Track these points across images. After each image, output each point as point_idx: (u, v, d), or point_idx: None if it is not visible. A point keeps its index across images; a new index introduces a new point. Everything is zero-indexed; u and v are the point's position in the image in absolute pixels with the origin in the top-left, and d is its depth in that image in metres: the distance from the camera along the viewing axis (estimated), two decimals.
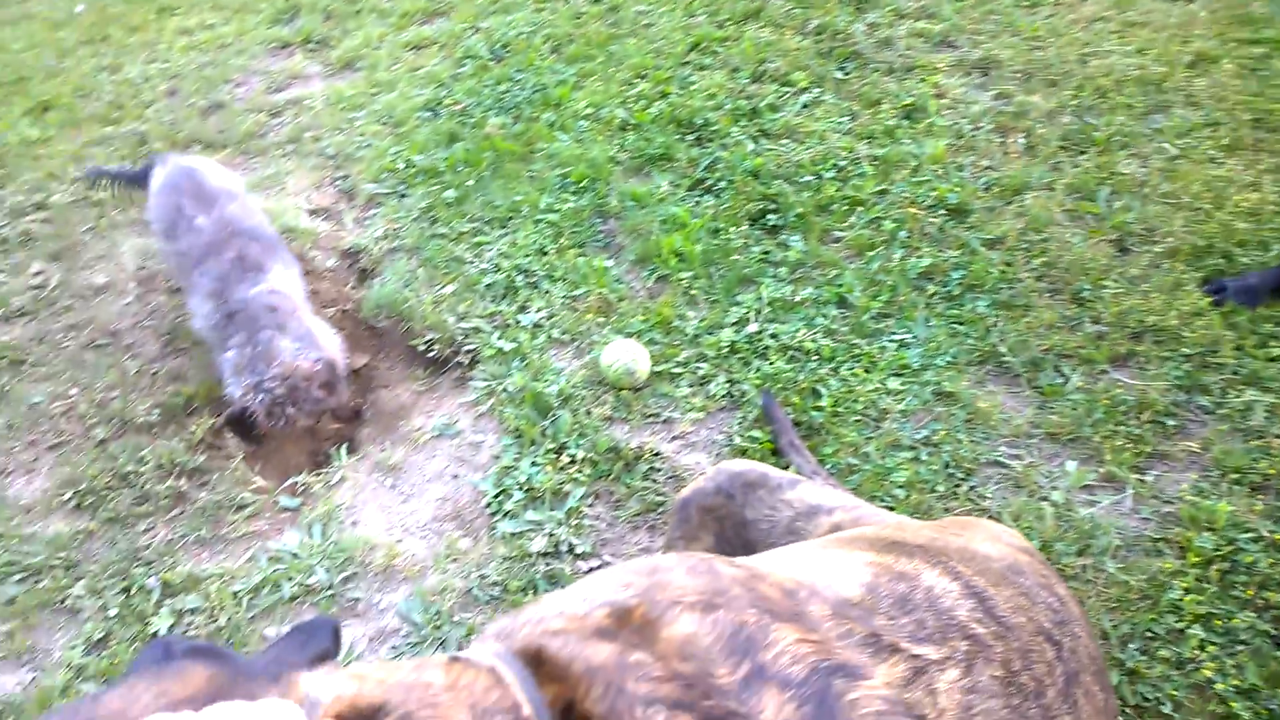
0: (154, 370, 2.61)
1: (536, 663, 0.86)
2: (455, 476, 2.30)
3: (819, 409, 2.19)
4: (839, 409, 2.19)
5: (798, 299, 2.47)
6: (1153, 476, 1.96)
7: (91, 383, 2.54)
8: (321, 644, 0.85)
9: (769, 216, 2.73)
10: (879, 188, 2.80)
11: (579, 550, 2.08)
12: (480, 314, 2.59)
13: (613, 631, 0.90)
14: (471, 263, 2.74)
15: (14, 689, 1.98)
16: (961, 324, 2.37)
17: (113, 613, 2.07)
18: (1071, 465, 2.01)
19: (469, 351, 2.53)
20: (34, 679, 2.00)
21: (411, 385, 2.58)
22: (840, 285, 2.49)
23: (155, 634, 2.01)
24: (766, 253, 2.63)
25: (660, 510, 2.12)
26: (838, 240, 2.67)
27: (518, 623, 1.01)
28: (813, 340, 2.34)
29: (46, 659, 2.03)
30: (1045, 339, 2.27)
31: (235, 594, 2.08)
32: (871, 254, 2.59)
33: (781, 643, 0.89)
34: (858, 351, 2.32)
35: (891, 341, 2.34)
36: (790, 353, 2.34)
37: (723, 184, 2.88)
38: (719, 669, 0.85)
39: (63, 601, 2.12)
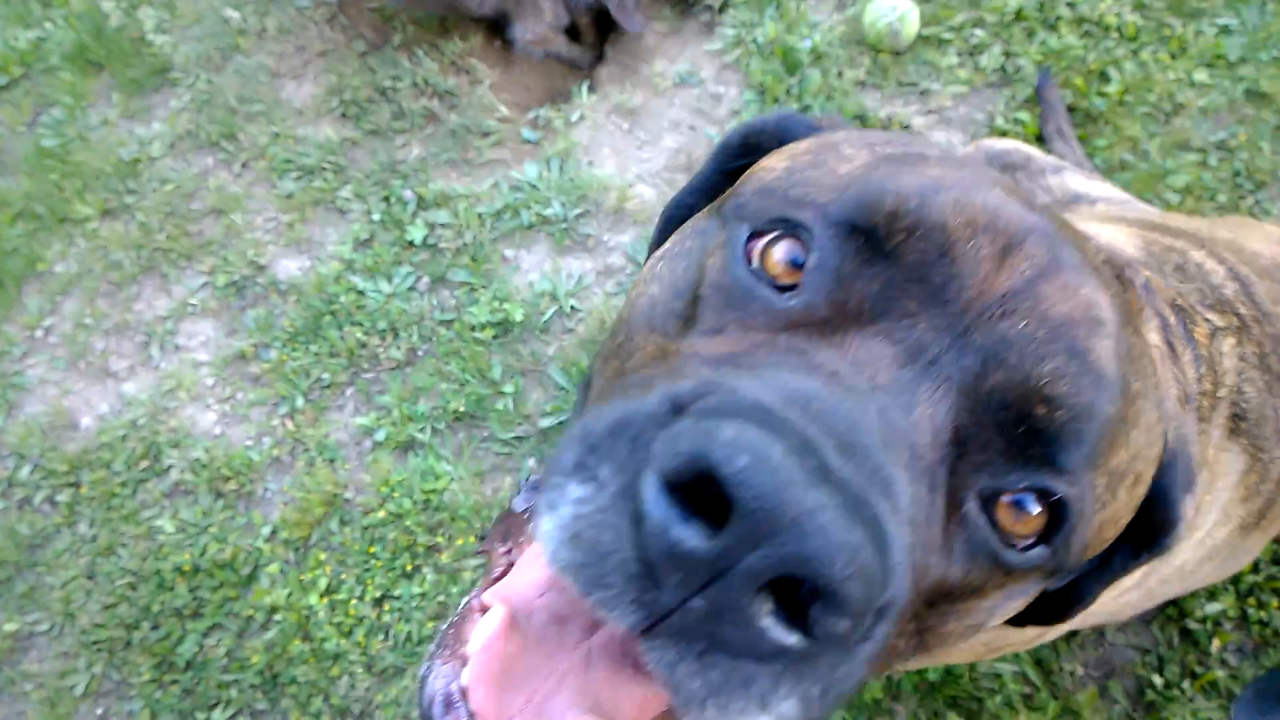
0: None
1: None
2: (692, 128, 2.45)
3: (1104, 95, 2.11)
4: (1127, 98, 2.11)
5: None
6: None
7: None
8: None
9: None
10: None
11: None
12: None
13: None
14: None
15: (296, 272, 2.47)
16: None
17: (375, 217, 2.47)
18: None
19: None
20: (312, 265, 2.47)
21: (657, 26, 2.66)
22: None
23: (411, 242, 2.41)
24: None
25: None
26: None
27: None
28: (1117, 14, 2.19)
29: (321, 250, 2.49)
30: None
31: (480, 215, 2.41)
32: None
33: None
34: (1168, 33, 2.17)
35: (1212, 26, 2.16)
36: (1086, 26, 2.21)
37: None
38: None
39: (333, 202, 2.53)
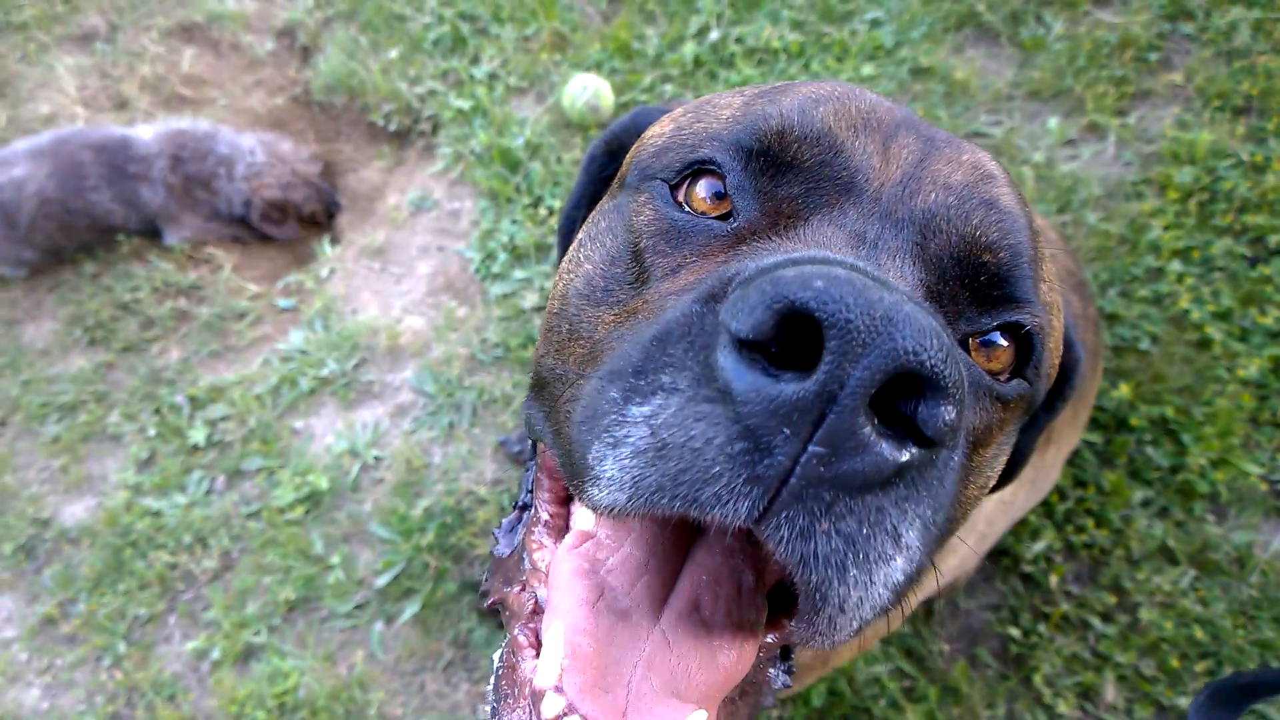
0: None
1: None
2: (440, 249, 2.49)
3: None
4: None
5: None
6: (1135, 118, 2.05)
7: None
8: None
9: None
10: None
11: None
12: (433, 74, 2.66)
13: None
14: (413, 18, 2.75)
15: (83, 515, 2.35)
16: None
17: (151, 432, 2.39)
18: (1053, 121, 2.11)
19: (429, 118, 2.63)
20: (98, 503, 2.37)
21: (379, 163, 2.71)
22: None
23: (195, 446, 2.35)
24: None
25: None
26: None
27: None
28: (779, 37, 2.38)
29: (103, 484, 2.39)
30: None
31: (258, 397, 2.38)
32: None
33: None
34: (828, 40, 2.36)
35: (863, 23, 2.37)
36: (758, 56, 2.39)
37: None
38: None
39: (103, 431, 2.44)
